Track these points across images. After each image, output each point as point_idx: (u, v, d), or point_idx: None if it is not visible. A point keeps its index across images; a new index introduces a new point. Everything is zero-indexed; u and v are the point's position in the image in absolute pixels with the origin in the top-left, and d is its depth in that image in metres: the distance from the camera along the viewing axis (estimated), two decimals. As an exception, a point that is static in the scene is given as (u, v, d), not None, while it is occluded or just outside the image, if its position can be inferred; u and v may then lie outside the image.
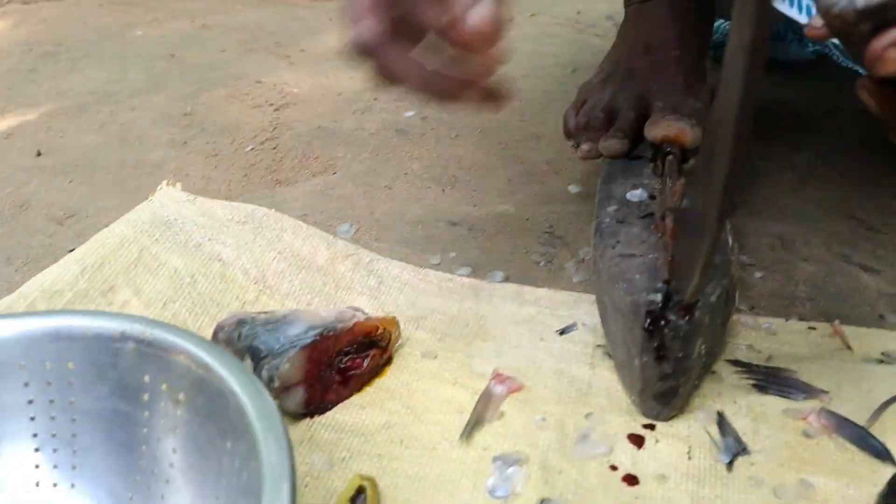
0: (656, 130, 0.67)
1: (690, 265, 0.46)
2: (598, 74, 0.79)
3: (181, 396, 0.43)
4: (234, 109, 1.09)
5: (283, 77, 1.17)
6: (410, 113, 1.02)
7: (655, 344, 0.50)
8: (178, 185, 0.78)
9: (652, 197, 0.63)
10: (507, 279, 0.70)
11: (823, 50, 1.01)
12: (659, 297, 0.51)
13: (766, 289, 0.68)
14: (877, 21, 0.37)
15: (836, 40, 0.42)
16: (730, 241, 0.58)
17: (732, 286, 0.57)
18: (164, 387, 0.43)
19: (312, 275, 0.70)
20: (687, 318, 0.50)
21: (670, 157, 0.65)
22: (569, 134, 0.76)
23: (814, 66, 1.10)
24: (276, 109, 1.07)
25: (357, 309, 0.60)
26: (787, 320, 0.63)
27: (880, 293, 0.68)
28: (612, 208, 0.62)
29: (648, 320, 0.50)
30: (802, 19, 0.64)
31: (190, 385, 0.42)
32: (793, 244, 0.74)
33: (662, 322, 0.50)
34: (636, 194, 0.63)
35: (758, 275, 0.70)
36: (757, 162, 0.88)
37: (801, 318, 0.64)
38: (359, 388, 0.56)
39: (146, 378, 0.43)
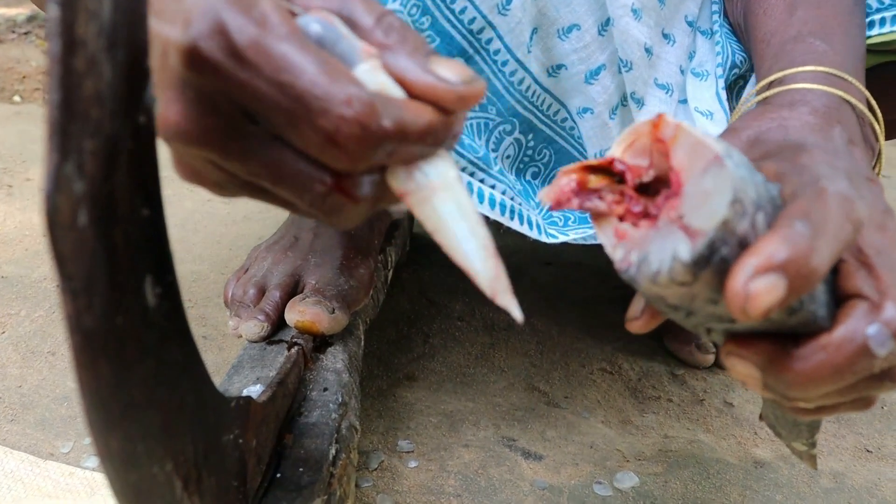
0: (291, 315, 0.63)
1: None
2: (269, 239, 0.75)
3: None
4: (-72, 247, 0.98)
5: (-7, 210, 1.08)
6: (109, 260, 0.94)
7: None
8: None
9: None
10: (137, 474, 0.63)
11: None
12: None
13: (416, 481, 0.64)
14: (714, 262, 0.30)
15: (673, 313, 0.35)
16: (331, 454, 0.53)
17: None
18: None
19: None
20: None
21: (294, 348, 0.60)
22: (226, 304, 0.70)
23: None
24: (-30, 249, 0.97)
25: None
26: (420, 526, 0.59)
27: (533, 486, 0.64)
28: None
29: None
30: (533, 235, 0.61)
31: None
32: (461, 424, 0.71)
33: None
34: (253, 392, 0.58)
35: (412, 464, 0.66)
36: (456, 323, 0.86)
37: (442, 520, 0.60)
38: None
39: None
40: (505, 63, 0.60)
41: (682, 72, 0.66)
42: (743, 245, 0.31)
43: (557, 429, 0.71)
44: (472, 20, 0.57)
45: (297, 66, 0.28)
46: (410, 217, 0.96)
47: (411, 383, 0.76)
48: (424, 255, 0.98)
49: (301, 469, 0.51)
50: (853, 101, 0.45)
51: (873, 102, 0.47)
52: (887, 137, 0.74)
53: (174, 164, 0.33)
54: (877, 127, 0.47)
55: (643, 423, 0.74)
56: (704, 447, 0.72)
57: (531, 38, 0.60)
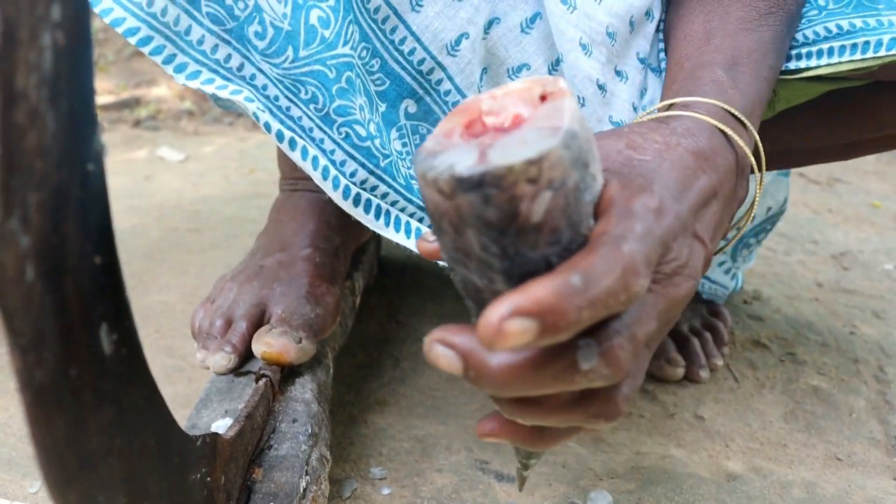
0: (257, 347, 0.62)
1: None
2: (235, 268, 0.74)
3: None
4: None
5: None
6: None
7: None
8: None
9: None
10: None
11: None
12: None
13: (389, 509, 0.64)
14: (474, 194, 0.30)
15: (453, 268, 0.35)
16: (302, 486, 0.53)
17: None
18: None
19: None
20: None
21: (262, 380, 0.59)
22: (193, 335, 0.70)
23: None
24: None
25: None
26: (394, 555, 0.58)
27: (505, 509, 0.64)
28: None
29: None
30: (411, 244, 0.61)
31: None
32: (434, 448, 0.71)
33: None
34: (221, 426, 0.57)
35: (386, 491, 0.65)
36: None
37: (417, 546, 0.60)
38: None
39: None
40: (456, 104, 0.60)
41: (634, 109, 0.66)
42: (511, 203, 0.31)
43: (530, 449, 0.71)
44: (422, 61, 0.58)
45: None
46: (378, 240, 0.95)
47: (382, 408, 0.76)
48: (393, 279, 0.98)
49: (272, 503, 0.51)
50: (738, 142, 0.47)
51: (759, 142, 0.49)
52: (844, 158, 0.76)
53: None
54: (754, 166, 0.49)
55: (615, 441, 0.74)
56: (677, 462, 0.72)
57: (481, 79, 0.60)
